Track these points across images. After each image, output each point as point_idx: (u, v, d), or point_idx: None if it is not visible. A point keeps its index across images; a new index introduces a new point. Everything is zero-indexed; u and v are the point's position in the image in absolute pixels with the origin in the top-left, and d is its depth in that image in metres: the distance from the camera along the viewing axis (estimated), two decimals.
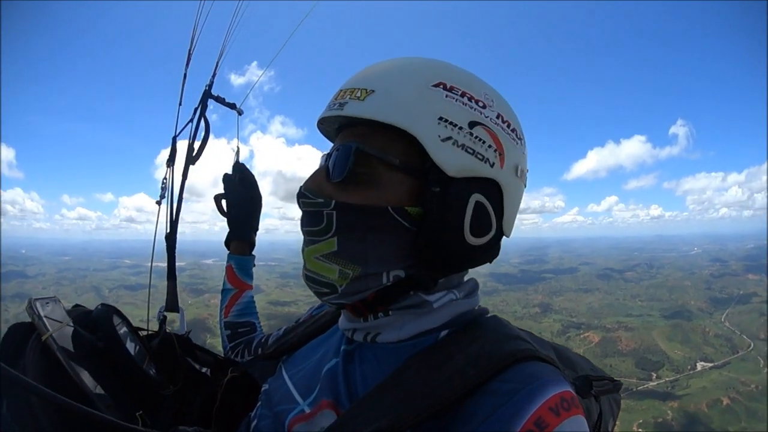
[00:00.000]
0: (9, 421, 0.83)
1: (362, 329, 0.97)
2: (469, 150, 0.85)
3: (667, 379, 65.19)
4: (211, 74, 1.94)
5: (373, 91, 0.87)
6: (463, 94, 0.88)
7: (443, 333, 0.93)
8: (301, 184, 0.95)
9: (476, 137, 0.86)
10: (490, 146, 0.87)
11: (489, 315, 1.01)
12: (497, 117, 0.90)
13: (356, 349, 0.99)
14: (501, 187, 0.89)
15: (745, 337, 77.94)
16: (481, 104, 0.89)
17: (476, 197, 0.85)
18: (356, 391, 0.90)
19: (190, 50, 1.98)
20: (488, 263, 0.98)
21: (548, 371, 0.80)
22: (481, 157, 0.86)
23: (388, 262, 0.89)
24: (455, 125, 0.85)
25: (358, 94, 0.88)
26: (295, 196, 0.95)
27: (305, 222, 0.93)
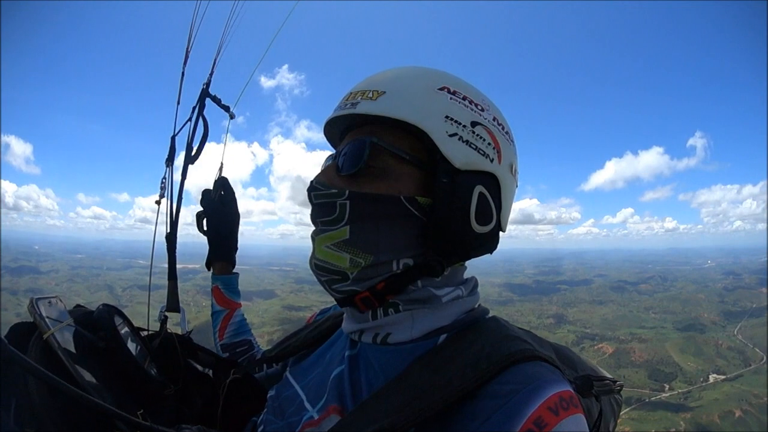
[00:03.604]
0: (9, 422, 0.83)
1: (371, 329, 1.00)
2: (472, 146, 0.93)
3: (679, 390, 65.58)
4: (209, 73, 1.95)
5: (384, 92, 0.94)
6: (464, 98, 0.97)
7: (442, 337, 0.96)
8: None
9: (478, 135, 0.95)
10: (489, 143, 0.96)
11: (489, 316, 1.04)
12: (493, 119, 0.99)
13: (360, 354, 1.02)
14: (499, 182, 0.97)
15: (757, 350, 77.95)
16: (479, 107, 0.98)
17: (479, 188, 0.93)
18: (361, 397, 0.93)
19: (187, 49, 1.99)
20: (488, 254, 1.03)
21: (547, 371, 0.81)
22: (482, 152, 0.94)
23: (399, 251, 0.94)
24: (459, 123, 0.93)
25: (370, 95, 0.95)
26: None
27: (316, 213, 0.98)
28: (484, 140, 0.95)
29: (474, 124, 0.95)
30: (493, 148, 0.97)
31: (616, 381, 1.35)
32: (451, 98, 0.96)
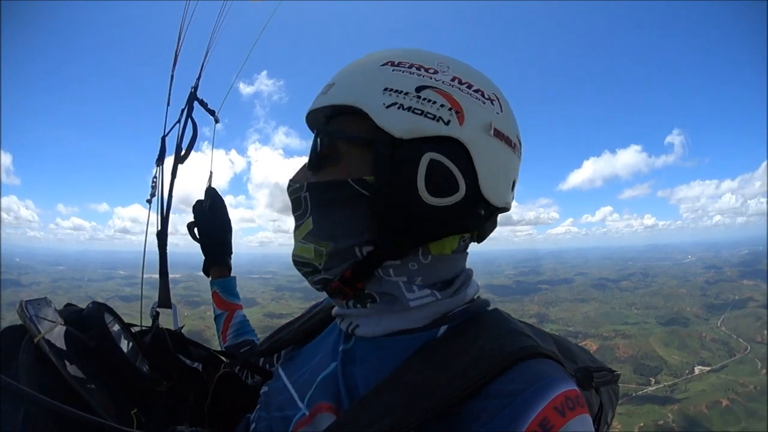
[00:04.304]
0: (18, 424, 0.83)
1: (347, 317, 0.99)
2: (416, 111, 0.85)
3: (665, 383, 65.44)
4: (197, 76, 1.97)
5: (333, 84, 0.94)
6: (411, 66, 0.90)
7: (442, 329, 0.92)
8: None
9: (425, 99, 0.86)
10: (442, 105, 0.86)
11: (490, 308, 1.00)
12: (452, 80, 0.90)
13: (355, 348, 0.98)
14: (466, 146, 0.86)
15: (741, 340, 78.48)
16: (431, 71, 0.90)
17: (430, 155, 0.84)
18: (357, 393, 0.89)
19: (176, 52, 2.02)
20: (470, 233, 0.98)
21: (552, 369, 0.79)
22: (431, 116, 0.85)
23: (357, 235, 0.90)
24: (400, 92, 0.86)
25: (323, 90, 0.95)
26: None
27: (293, 208, 0.99)
28: (434, 103, 0.86)
29: (420, 89, 0.87)
30: (449, 109, 0.86)
31: (614, 371, 1.33)
32: (393, 70, 0.90)
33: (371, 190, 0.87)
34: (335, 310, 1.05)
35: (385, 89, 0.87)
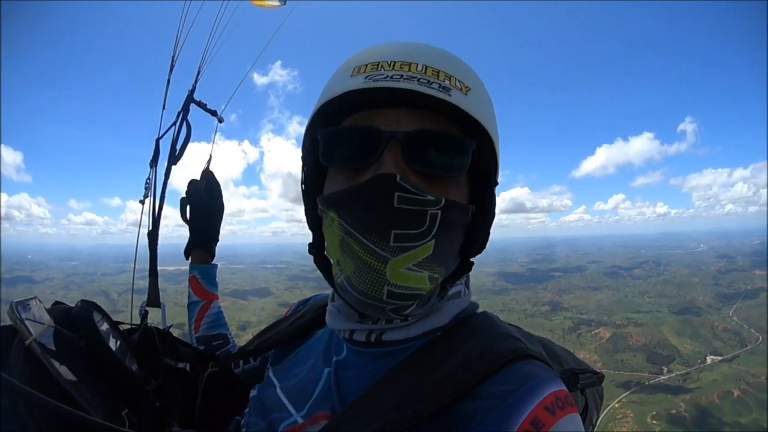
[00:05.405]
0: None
1: (364, 330, 0.93)
2: (499, 163, 0.93)
3: (678, 372, 66.88)
4: (194, 79, 1.99)
5: (470, 88, 0.83)
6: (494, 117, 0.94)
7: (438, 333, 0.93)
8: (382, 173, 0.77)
9: (498, 154, 0.92)
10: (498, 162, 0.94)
11: (479, 311, 1.03)
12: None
13: (348, 357, 0.98)
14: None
15: (753, 331, 79.72)
16: None
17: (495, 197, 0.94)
18: (349, 399, 0.89)
19: (173, 58, 2.03)
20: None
21: (541, 370, 0.80)
22: (496, 168, 0.93)
23: (454, 260, 0.91)
24: (497, 137, 0.91)
25: (459, 86, 0.81)
26: (372, 187, 0.77)
27: (396, 222, 0.76)
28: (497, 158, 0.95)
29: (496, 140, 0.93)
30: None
31: (598, 373, 1.37)
32: (494, 116, 0.93)
33: (470, 219, 0.89)
34: (338, 324, 0.99)
35: (497, 136, 0.91)
